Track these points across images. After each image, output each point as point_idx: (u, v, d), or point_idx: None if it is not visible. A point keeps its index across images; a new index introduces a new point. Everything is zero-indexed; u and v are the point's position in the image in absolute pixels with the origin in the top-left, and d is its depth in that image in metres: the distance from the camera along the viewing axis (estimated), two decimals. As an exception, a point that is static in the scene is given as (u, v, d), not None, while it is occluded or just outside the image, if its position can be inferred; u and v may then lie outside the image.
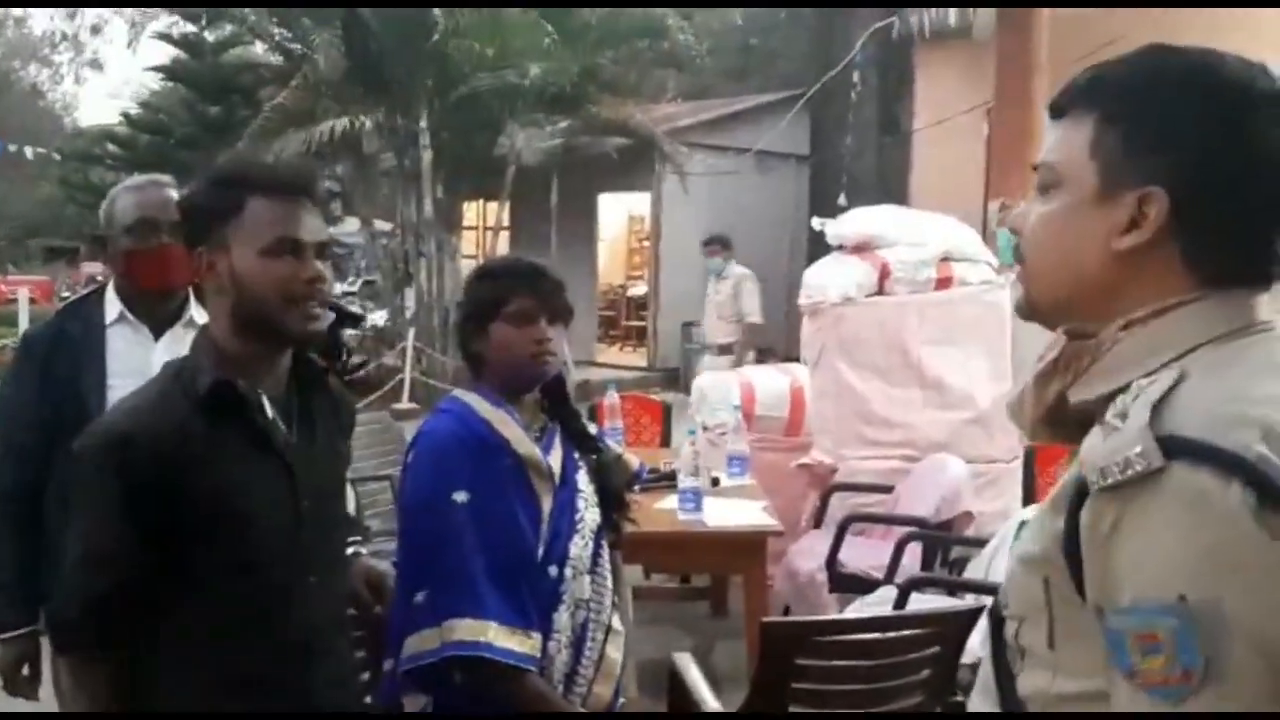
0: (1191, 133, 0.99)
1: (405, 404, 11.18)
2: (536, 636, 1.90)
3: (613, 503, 2.10)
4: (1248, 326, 1.00)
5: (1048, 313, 1.10)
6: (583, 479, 2.06)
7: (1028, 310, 1.11)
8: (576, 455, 2.07)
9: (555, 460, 2.01)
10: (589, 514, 2.04)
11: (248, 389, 1.63)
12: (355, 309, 3.28)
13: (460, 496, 1.89)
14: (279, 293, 1.61)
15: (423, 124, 11.53)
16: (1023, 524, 1.17)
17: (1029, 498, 4.42)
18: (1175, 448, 0.89)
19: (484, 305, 2.01)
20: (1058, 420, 1.09)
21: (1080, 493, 0.95)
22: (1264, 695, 0.85)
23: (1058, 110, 1.09)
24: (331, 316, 1.68)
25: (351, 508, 2.12)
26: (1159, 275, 1.01)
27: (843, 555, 4.23)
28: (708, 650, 4.62)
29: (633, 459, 2.23)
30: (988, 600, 3.26)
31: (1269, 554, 0.85)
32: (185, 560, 1.59)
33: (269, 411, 1.66)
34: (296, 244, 1.63)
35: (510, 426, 1.96)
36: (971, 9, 8.23)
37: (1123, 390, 0.98)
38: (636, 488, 2.26)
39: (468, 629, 1.84)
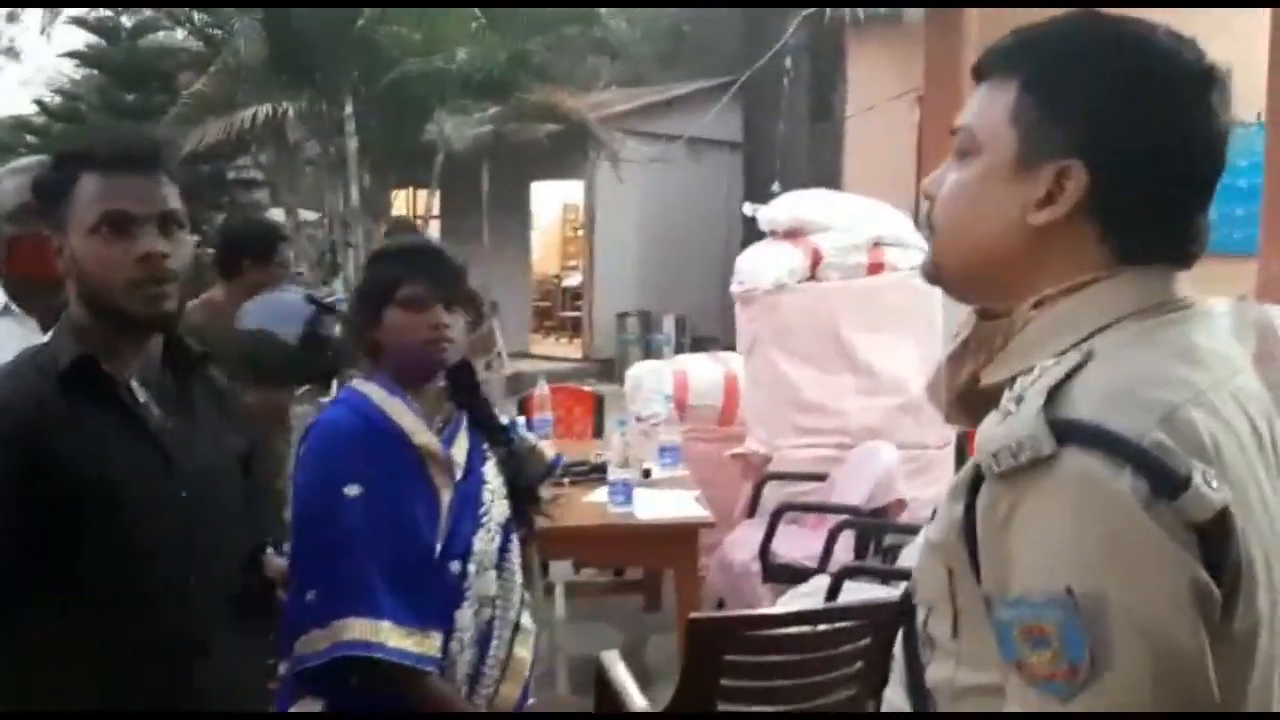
0: (1115, 105, 0.94)
1: (334, 395, 10.96)
2: (435, 635, 1.82)
3: (524, 496, 2.01)
4: (1163, 304, 0.95)
5: (956, 283, 1.05)
6: (490, 471, 1.97)
7: (933, 275, 1.06)
8: (485, 446, 1.98)
9: (459, 451, 1.92)
10: (496, 507, 1.94)
11: (114, 369, 1.52)
12: (329, 298, 3.16)
13: (352, 490, 1.79)
14: (114, 274, 1.50)
15: (348, 111, 11.27)
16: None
17: (961, 484, 4.40)
18: (1067, 432, 0.84)
19: (377, 290, 1.91)
20: (971, 402, 1.03)
21: (977, 479, 0.90)
22: (1149, 690, 0.81)
23: (981, 72, 1.03)
24: (175, 297, 1.55)
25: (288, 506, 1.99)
26: (1073, 251, 0.96)
27: (776, 545, 4.17)
28: (640, 646, 4.54)
29: (547, 450, 2.14)
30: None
31: (1158, 546, 0.81)
32: (50, 550, 1.46)
33: (140, 395, 1.55)
34: (126, 217, 1.50)
35: (407, 416, 1.87)
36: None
37: (1026, 372, 0.92)
38: (565, 480, 2.16)
39: (360, 629, 1.75)
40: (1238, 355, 0.96)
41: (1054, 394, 0.87)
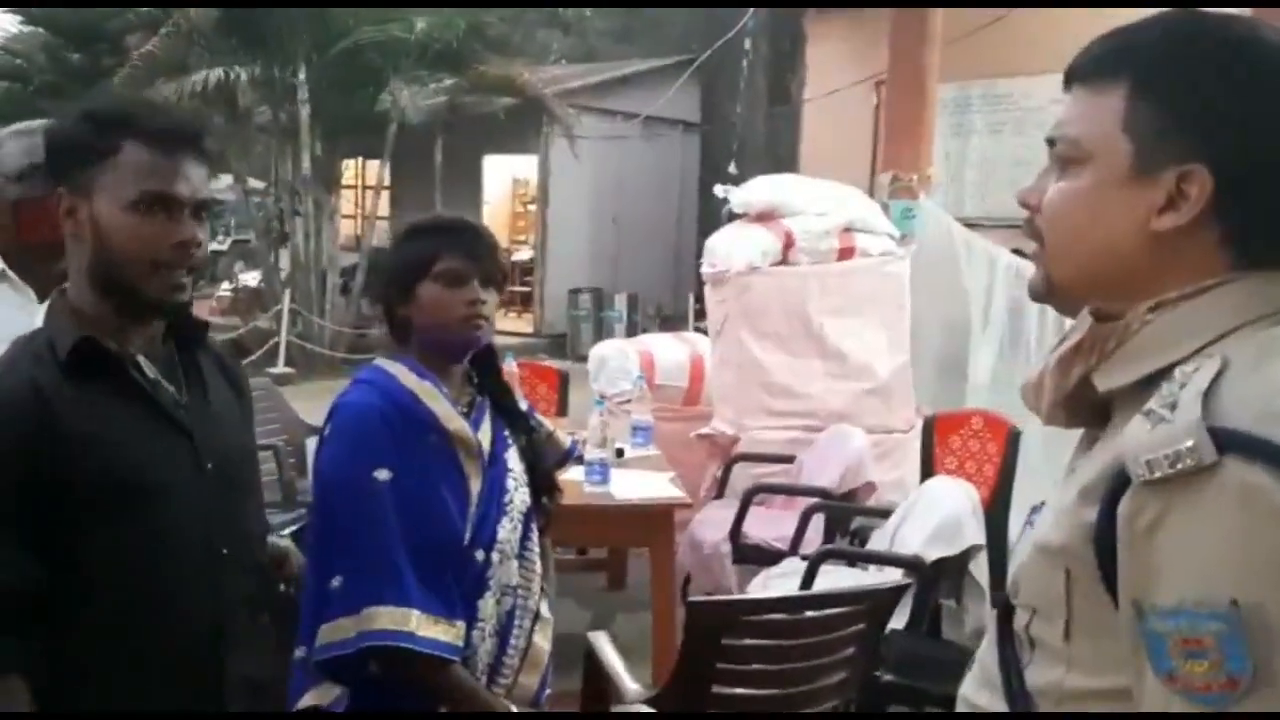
0: (1235, 106, 0.93)
1: (281, 369, 10.81)
2: (460, 625, 1.78)
3: (543, 484, 1.98)
4: None
5: (1072, 295, 1.04)
6: (513, 458, 1.93)
7: (1045, 291, 1.04)
8: (506, 433, 1.94)
9: (485, 437, 1.88)
10: (518, 495, 1.91)
11: (120, 350, 1.47)
12: None
13: (382, 475, 1.74)
14: (143, 254, 1.44)
15: (301, 78, 11.07)
16: (1034, 509, 1.10)
17: (927, 468, 4.46)
18: (1228, 442, 0.83)
19: (411, 265, 1.84)
20: (1078, 404, 1.02)
21: (1119, 484, 0.89)
22: None
23: (1076, 77, 1.01)
24: (190, 286, 1.50)
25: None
26: (1197, 256, 0.95)
27: (746, 526, 4.20)
28: (607, 623, 4.55)
29: (564, 437, 2.12)
30: (896, 572, 3.29)
31: None
32: (82, 542, 1.41)
33: (149, 371, 1.50)
34: (171, 200, 1.45)
35: (438, 400, 1.82)
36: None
37: (1163, 376, 0.92)
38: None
39: (389, 617, 1.70)
40: None
41: (1206, 401, 0.86)
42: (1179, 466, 0.84)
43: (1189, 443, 0.84)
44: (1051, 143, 1.02)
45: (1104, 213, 0.97)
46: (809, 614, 2.41)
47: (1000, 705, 1.03)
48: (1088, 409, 1.01)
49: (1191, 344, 0.93)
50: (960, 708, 1.10)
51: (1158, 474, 0.85)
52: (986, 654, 1.07)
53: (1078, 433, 1.07)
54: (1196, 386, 0.87)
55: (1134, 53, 0.98)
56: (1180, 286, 0.95)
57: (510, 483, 1.90)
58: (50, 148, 1.56)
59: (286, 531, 2.29)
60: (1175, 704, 0.84)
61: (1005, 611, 1.05)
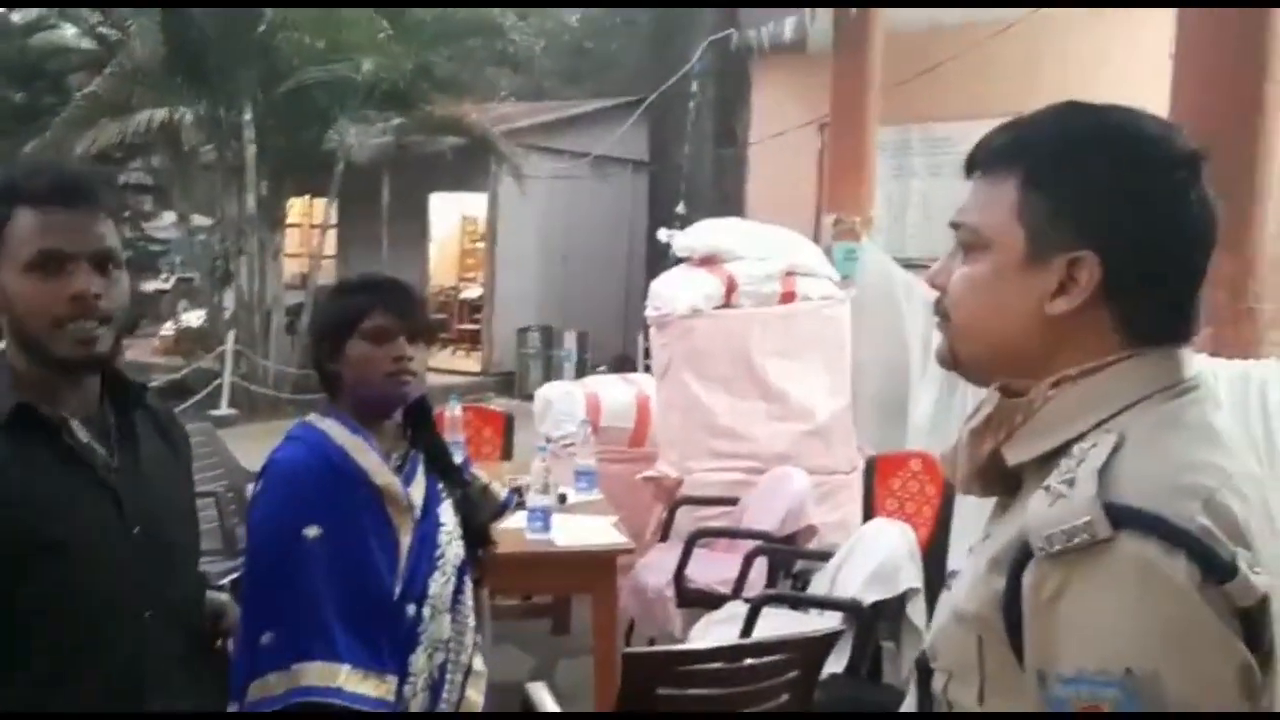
0: (1119, 195, 0.99)
1: (224, 410, 10.67)
2: (391, 680, 1.79)
3: (477, 537, 1.99)
4: (1176, 384, 1.00)
5: (976, 370, 1.09)
6: (445, 511, 1.95)
7: (952, 364, 1.10)
8: (440, 486, 1.96)
9: (417, 492, 1.90)
10: (451, 549, 1.92)
11: (51, 411, 1.48)
12: None
13: (312, 531, 1.76)
14: (44, 312, 1.45)
15: (247, 116, 11.02)
16: (952, 573, 1.15)
17: (869, 509, 4.51)
18: (1122, 518, 0.88)
19: (339, 322, 1.89)
20: (991, 475, 1.07)
21: (1023, 556, 0.93)
22: None
23: (975, 166, 1.08)
24: (109, 338, 1.51)
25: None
26: (1090, 335, 1.01)
27: (690, 570, 4.21)
28: (550, 669, 4.53)
29: (500, 489, 2.13)
30: (835, 616, 3.31)
31: (1212, 630, 0.85)
32: (3, 603, 1.41)
33: (81, 434, 1.51)
34: (63, 256, 1.46)
35: (368, 455, 1.84)
36: (809, 20, 8.40)
37: (1062, 452, 0.97)
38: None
39: (318, 673, 1.72)
40: (1240, 435, 1.02)
41: (1102, 477, 0.90)
42: (1076, 541, 0.88)
43: (1085, 518, 0.89)
44: (955, 226, 1.07)
45: (1003, 297, 1.03)
46: (744, 663, 2.42)
47: None
48: (1000, 478, 1.06)
49: (1091, 420, 0.98)
50: None
51: (1057, 547, 0.89)
52: (908, 714, 1.11)
53: None
54: (1092, 464, 0.92)
55: (1026, 146, 1.04)
56: (1079, 364, 1.00)
57: (443, 537, 1.91)
58: None
59: (226, 580, 2.28)
60: None
61: (924, 674, 1.08)
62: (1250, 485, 0.95)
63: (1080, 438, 0.97)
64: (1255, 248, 3.46)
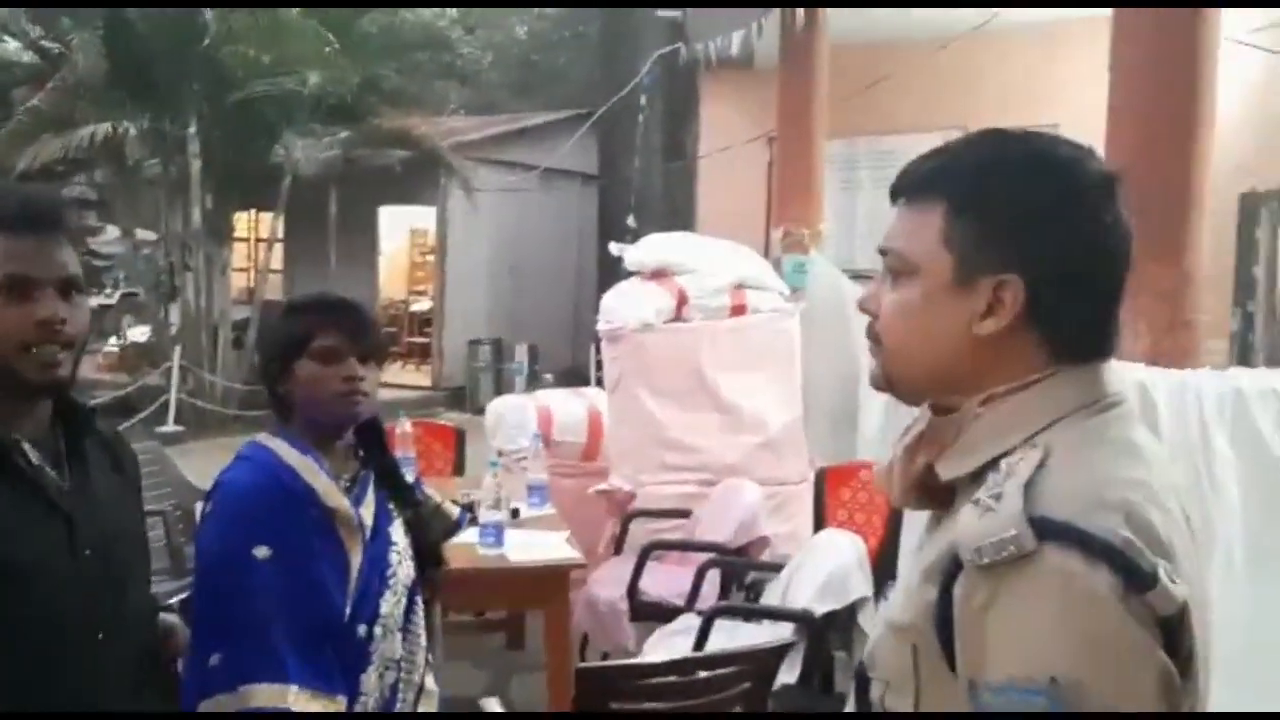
0: (1039, 220, 1.03)
1: (171, 426, 10.53)
2: (341, 700, 1.79)
3: (429, 557, 1.99)
4: (1100, 400, 1.04)
5: (909, 392, 1.13)
6: (396, 531, 1.94)
7: (885, 386, 1.13)
8: (390, 506, 1.95)
9: (367, 512, 1.89)
10: (402, 569, 1.92)
11: (4, 433, 1.48)
12: None
13: (261, 552, 1.75)
14: (11, 337, 1.46)
15: (191, 130, 10.90)
16: (888, 584, 1.18)
17: (819, 519, 4.55)
18: (1046, 531, 0.91)
19: (289, 342, 1.88)
20: (925, 489, 1.10)
21: (954, 568, 0.96)
22: None
23: (900, 194, 1.11)
24: (70, 363, 1.52)
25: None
26: (1017, 354, 1.04)
27: (643, 583, 4.22)
28: (504, 685, 4.52)
29: (452, 508, 2.13)
30: (787, 627, 3.34)
31: (1133, 639, 0.89)
32: None
33: (33, 456, 1.50)
34: (30, 282, 1.47)
35: (318, 476, 1.84)
36: (755, 34, 8.46)
37: (991, 467, 1.00)
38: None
39: (266, 695, 1.71)
40: (1159, 447, 1.06)
41: (1027, 492, 0.94)
42: (1004, 554, 0.92)
43: (1012, 531, 0.92)
44: (884, 253, 1.11)
45: (932, 320, 1.07)
46: (697, 675, 2.44)
47: None
48: (934, 493, 1.09)
49: (1018, 435, 1.02)
50: None
51: (986, 560, 0.93)
52: (860, 714, 1.13)
53: None
54: (1019, 478, 0.95)
55: (949, 174, 1.08)
56: (1007, 382, 1.04)
57: (393, 557, 1.91)
58: None
59: (174, 600, 2.27)
60: None
61: (862, 683, 1.11)
62: (1171, 498, 0.99)
63: (1008, 453, 1.00)
64: (1192, 260, 3.54)
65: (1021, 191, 1.04)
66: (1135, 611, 0.89)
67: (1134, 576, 0.89)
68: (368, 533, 1.87)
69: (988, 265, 1.04)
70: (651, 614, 4.13)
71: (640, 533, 4.67)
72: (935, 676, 0.99)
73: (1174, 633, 0.91)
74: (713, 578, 4.11)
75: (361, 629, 1.83)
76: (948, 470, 1.06)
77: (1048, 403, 1.03)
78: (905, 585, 1.06)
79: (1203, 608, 0.96)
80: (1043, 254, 1.03)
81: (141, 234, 12.91)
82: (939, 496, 1.08)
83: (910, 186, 1.10)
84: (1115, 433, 1.02)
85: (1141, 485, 0.97)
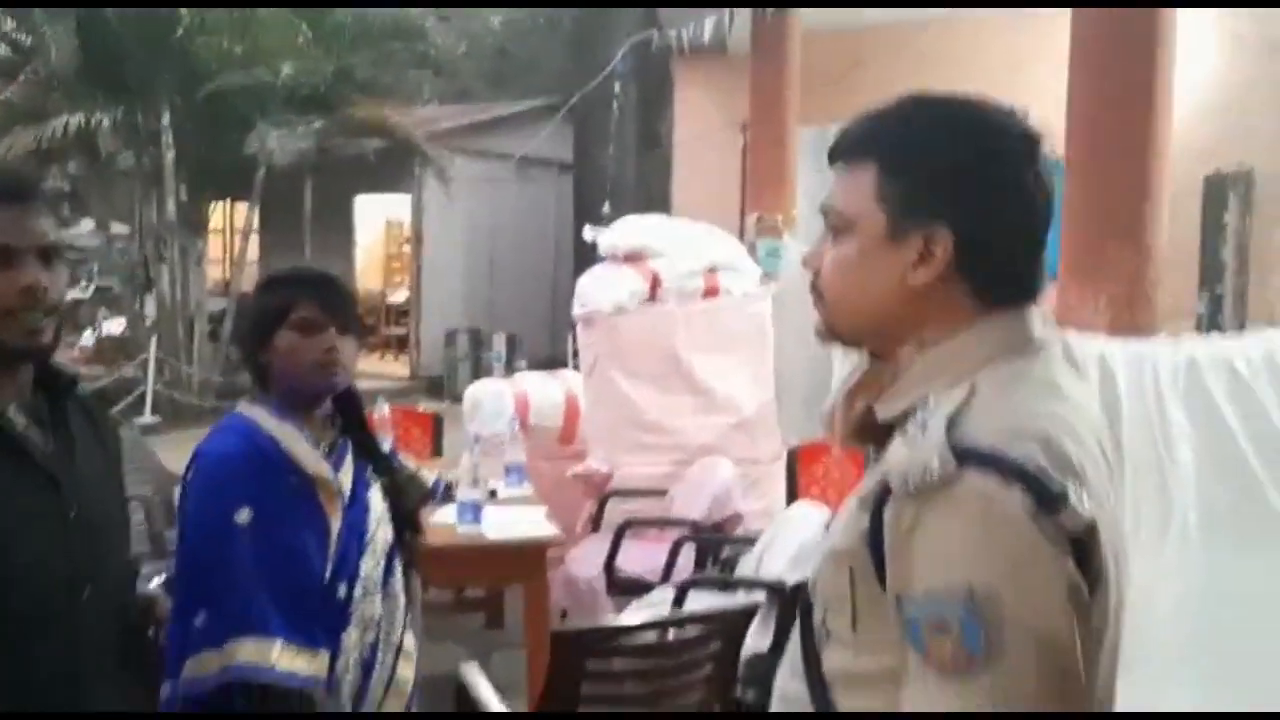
0: (965, 176, 1.11)
1: (148, 418, 10.51)
2: (324, 654, 1.86)
3: (406, 522, 2.06)
4: (1026, 344, 1.13)
5: (850, 341, 1.21)
6: (374, 496, 2.01)
7: (828, 336, 1.22)
8: (368, 472, 2.02)
9: (346, 477, 1.96)
10: (380, 533, 1.99)
11: None
12: None
13: (243, 517, 1.82)
14: None
15: (165, 122, 10.86)
16: (829, 520, 1.26)
17: (792, 495, 4.63)
18: (967, 456, 1.00)
19: (269, 313, 1.94)
20: (865, 430, 1.19)
21: (884, 494, 1.05)
22: (1033, 676, 0.96)
23: (837, 156, 1.19)
24: (52, 328, 1.57)
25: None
26: (948, 302, 1.13)
27: (620, 559, 4.30)
28: (485, 662, 4.55)
29: (428, 475, 2.19)
30: (760, 596, 3.42)
31: (1043, 553, 0.97)
32: None
33: (18, 420, 1.56)
34: (10, 250, 1.53)
35: (297, 442, 1.90)
36: (728, 22, 8.53)
37: (922, 404, 1.08)
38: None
39: (252, 650, 1.78)
40: (1083, 388, 1.15)
41: (951, 424, 1.02)
42: (928, 479, 1.00)
43: (935, 459, 1.00)
44: (825, 212, 1.19)
45: (868, 273, 1.15)
46: (668, 636, 2.51)
47: (804, 690, 1.16)
48: (874, 433, 1.17)
49: (949, 377, 1.10)
50: (775, 696, 1.24)
51: (912, 485, 1.01)
52: (794, 647, 1.21)
53: None
54: (944, 411, 1.04)
55: (879, 136, 1.16)
56: (939, 329, 1.13)
57: (371, 521, 1.97)
58: None
59: (155, 581, 2.31)
60: (930, 678, 1.00)
61: (806, 609, 1.20)
62: (1088, 432, 1.07)
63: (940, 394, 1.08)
64: (1152, 237, 3.64)
65: (947, 150, 1.12)
66: (1046, 530, 0.97)
67: (1046, 497, 0.97)
68: (346, 497, 1.94)
69: (917, 220, 1.11)
70: (628, 589, 4.21)
71: (617, 512, 4.74)
72: (869, 596, 1.07)
73: (1084, 549, 0.99)
74: (688, 553, 4.19)
75: (341, 589, 1.89)
76: (885, 411, 1.15)
77: (977, 348, 1.11)
78: (844, 515, 1.14)
79: (1114, 530, 1.04)
80: (968, 207, 1.10)
81: (116, 226, 12.86)
82: (878, 436, 1.16)
83: (845, 149, 1.18)
84: (1039, 373, 1.10)
85: (1058, 419, 1.05)
